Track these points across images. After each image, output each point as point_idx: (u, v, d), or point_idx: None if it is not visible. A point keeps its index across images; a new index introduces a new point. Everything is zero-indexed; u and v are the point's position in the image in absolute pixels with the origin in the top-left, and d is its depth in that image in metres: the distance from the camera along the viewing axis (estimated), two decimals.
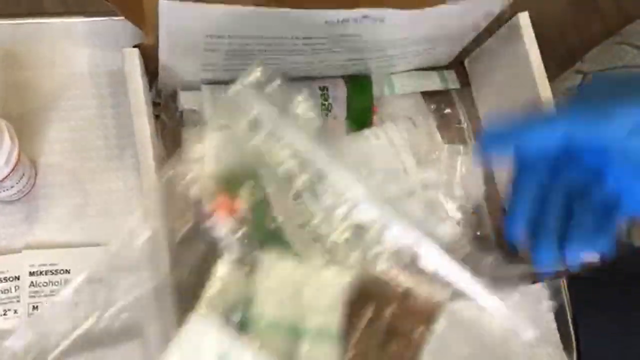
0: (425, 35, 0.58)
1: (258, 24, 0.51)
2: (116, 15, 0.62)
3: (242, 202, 0.57)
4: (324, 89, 0.63)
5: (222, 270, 0.44)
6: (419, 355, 0.44)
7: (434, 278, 0.44)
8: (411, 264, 0.44)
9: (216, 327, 0.41)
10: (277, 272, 0.44)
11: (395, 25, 0.54)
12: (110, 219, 0.59)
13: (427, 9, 0.51)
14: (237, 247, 0.45)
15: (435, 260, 0.44)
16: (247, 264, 0.44)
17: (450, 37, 0.60)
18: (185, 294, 0.51)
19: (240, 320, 0.43)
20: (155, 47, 0.53)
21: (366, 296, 0.44)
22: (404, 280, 0.44)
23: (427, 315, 0.44)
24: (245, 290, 0.43)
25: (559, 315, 0.66)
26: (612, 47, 0.82)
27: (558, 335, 0.66)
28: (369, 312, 0.43)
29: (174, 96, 0.60)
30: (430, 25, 0.56)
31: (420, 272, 0.44)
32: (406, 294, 0.44)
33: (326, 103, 0.62)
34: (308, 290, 0.44)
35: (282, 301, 0.43)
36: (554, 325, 0.65)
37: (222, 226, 0.46)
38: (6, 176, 0.49)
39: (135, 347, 0.55)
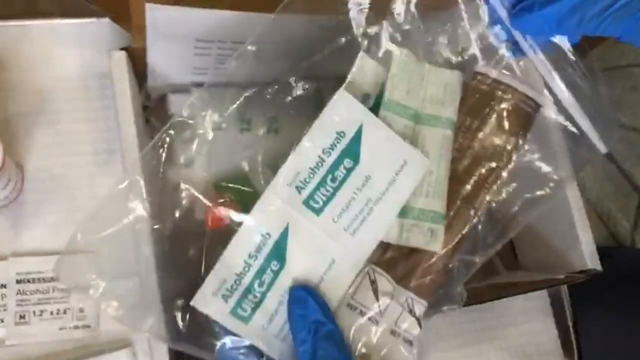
0: None
1: (247, 29, 0.50)
2: (104, 17, 0.61)
3: (235, 206, 0.56)
4: (317, 91, 0.61)
5: (359, 61, 0.46)
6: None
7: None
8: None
9: (356, 102, 0.44)
10: (405, 65, 0.47)
11: None
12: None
13: None
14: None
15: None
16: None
17: None
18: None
19: (373, 104, 0.46)
20: (143, 50, 0.52)
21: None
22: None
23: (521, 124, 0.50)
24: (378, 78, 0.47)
25: (560, 319, 0.66)
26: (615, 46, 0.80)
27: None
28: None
29: (163, 99, 0.59)
30: None
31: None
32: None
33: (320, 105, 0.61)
34: (430, 83, 0.48)
35: (408, 90, 0.46)
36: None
37: None
38: None
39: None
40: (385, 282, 0.46)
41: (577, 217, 0.57)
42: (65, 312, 0.55)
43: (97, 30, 0.61)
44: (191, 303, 0.42)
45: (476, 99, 0.50)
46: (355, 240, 0.43)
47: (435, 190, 0.47)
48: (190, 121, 0.58)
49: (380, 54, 0.48)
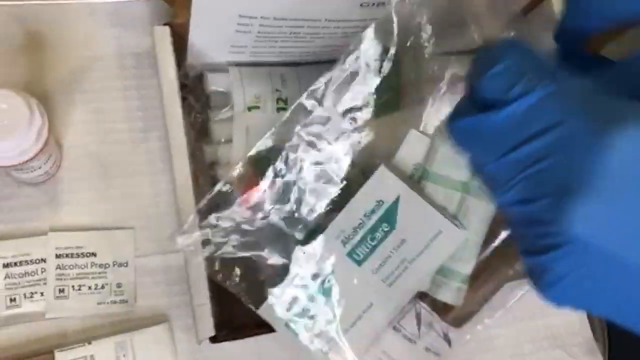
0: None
1: (292, 6, 0.50)
2: None
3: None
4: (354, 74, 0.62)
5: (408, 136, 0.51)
6: None
7: None
8: None
9: (394, 178, 0.49)
10: None
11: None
12: (136, 202, 0.58)
13: None
14: None
15: None
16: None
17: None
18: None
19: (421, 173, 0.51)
20: (185, 26, 0.52)
21: None
22: None
23: None
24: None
25: None
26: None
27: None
28: None
29: (200, 78, 0.59)
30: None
31: None
32: None
33: None
34: None
35: (456, 163, 0.49)
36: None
37: None
38: (35, 155, 0.48)
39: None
40: (427, 314, 0.54)
41: None
42: (103, 287, 0.55)
43: (133, 9, 0.61)
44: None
45: None
46: (392, 290, 0.50)
47: (469, 255, 0.52)
48: (228, 100, 0.59)
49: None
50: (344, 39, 0.56)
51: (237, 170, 0.57)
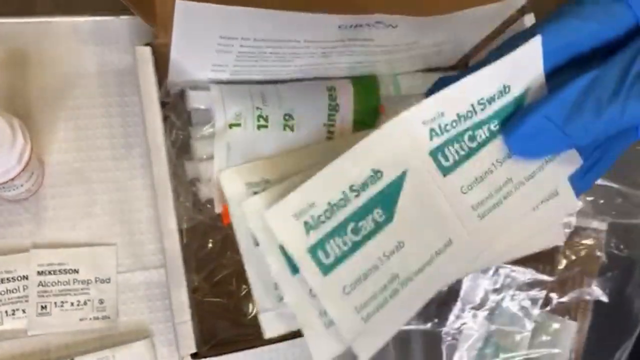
0: (434, 39, 0.58)
1: (271, 28, 0.51)
2: (123, 14, 0.62)
3: None
4: (331, 89, 0.63)
5: None
6: None
7: None
8: None
9: None
10: None
11: (407, 31, 0.54)
12: (118, 218, 0.59)
13: (440, 16, 0.51)
14: None
15: None
16: None
17: (459, 41, 0.61)
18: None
19: None
20: (166, 46, 0.53)
21: None
22: None
23: None
24: None
25: None
26: None
27: None
28: None
29: (182, 96, 0.60)
30: (441, 30, 0.56)
31: None
32: None
33: (334, 103, 0.63)
34: None
35: None
36: None
37: None
38: (17, 174, 0.49)
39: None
40: None
41: None
42: (85, 303, 0.56)
43: (115, 27, 0.62)
44: (265, 214, 0.30)
45: None
46: (482, 225, 0.34)
47: None
48: (209, 117, 0.60)
49: None
50: (323, 58, 0.58)
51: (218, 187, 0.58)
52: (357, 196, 0.31)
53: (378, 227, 0.32)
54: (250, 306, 0.58)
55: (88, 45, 0.61)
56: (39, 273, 0.56)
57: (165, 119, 0.59)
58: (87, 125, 0.60)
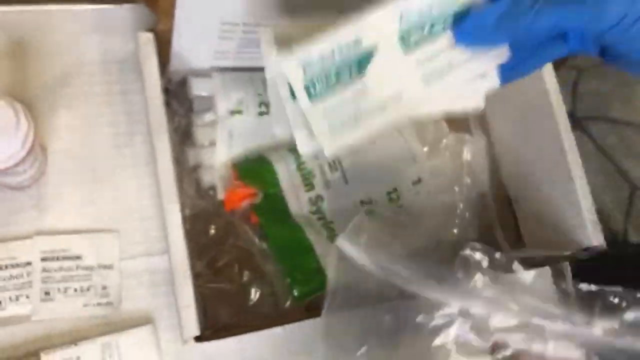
0: None
1: (273, 13, 0.52)
2: (124, 2, 0.62)
3: (256, 191, 0.58)
4: None
5: None
6: None
7: None
8: None
9: None
10: None
11: None
12: (121, 205, 0.59)
13: None
14: None
15: None
16: None
17: None
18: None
19: None
20: (168, 33, 0.53)
21: None
22: None
23: None
24: None
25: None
26: None
27: None
28: None
29: (184, 83, 0.60)
30: None
31: None
32: None
33: None
34: None
35: None
36: None
37: None
38: (22, 160, 0.49)
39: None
40: None
41: (581, 196, 0.59)
42: (88, 289, 0.56)
43: (117, 15, 0.62)
44: (281, 63, 0.41)
45: None
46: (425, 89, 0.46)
47: None
48: (211, 104, 0.60)
49: None
50: None
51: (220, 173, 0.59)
52: (340, 52, 0.42)
53: (352, 77, 0.44)
54: (253, 292, 0.59)
55: (90, 33, 0.62)
56: (43, 259, 0.56)
57: (167, 105, 0.59)
58: (89, 113, 0.61)
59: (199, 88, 0.59)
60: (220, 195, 0.59)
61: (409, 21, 0.43)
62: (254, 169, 0.58)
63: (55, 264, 0.56)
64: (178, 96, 0.60)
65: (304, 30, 0.41)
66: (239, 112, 0.59)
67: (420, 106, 0.47)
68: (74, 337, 0.55)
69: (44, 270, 0.55)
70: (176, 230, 0.51)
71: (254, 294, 0.59)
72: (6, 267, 0.55)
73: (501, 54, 0.46)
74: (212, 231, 0.59)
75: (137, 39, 0.53)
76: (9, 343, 0.54)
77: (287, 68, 0.41)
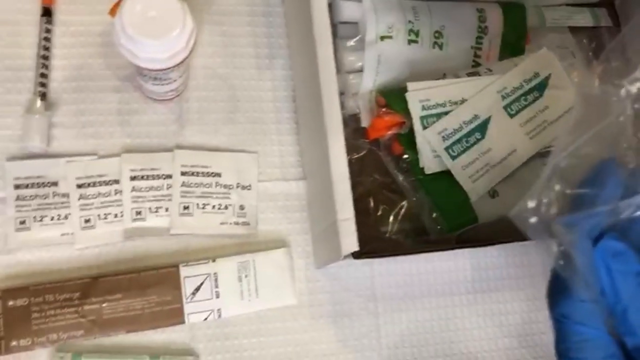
0: None
1: None
2: None
3: (403, 120, 0.56)
4: (481, 10, 0.61)
5: None
6: None
7: None
8: None
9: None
10: None
11: None
12: (259, 127, 0.58)
13: None
14: None
15: None
16: None
17: None
18: None
19: None
20: None
21: None
22: None
23: None
24: None
25: None
26: None
27: None
28: None
29: (329, 7, 0.58)
30: None
31: None
32: None
33: (483, 25, 0.60)
34: None
35: None
36: None
37: None
38: (182, 61, 0.48)
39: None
40: None
41: None
42: (226, 207, 0.55)
43: None
44: (425, 134, 0.54)
45: None
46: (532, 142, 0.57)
47: None
48: (354, 31, 0.58)
49: None
50: None
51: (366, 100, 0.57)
52: (466, 124, 0.55)
53: (477, 140, 0.55)
54: (390, 225, 0.57)
55: None
56: (183, 173, 0.55)
57: None
58: (232, 32, 0.59)
59: (347, 12, 0.57)
60: (365, 122, 0.57)
61: (509, 94, 0.57)
62: (402, 97, 0.55)
63: (195, 179, 0.55)
64: None
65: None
66: (389, 37, 0.56)
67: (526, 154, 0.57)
68: (209, 254, 0.54)
69: (184, 184, 0.54)
70: (337, 138, 0.47)
71: (390, 227, 0.57)
72: (147, 177, 0.54)
73: None
74: (352, 161, 0.57)
75: None
76: (147, 254, 0.53)
77: (431, 138, 0.54)
